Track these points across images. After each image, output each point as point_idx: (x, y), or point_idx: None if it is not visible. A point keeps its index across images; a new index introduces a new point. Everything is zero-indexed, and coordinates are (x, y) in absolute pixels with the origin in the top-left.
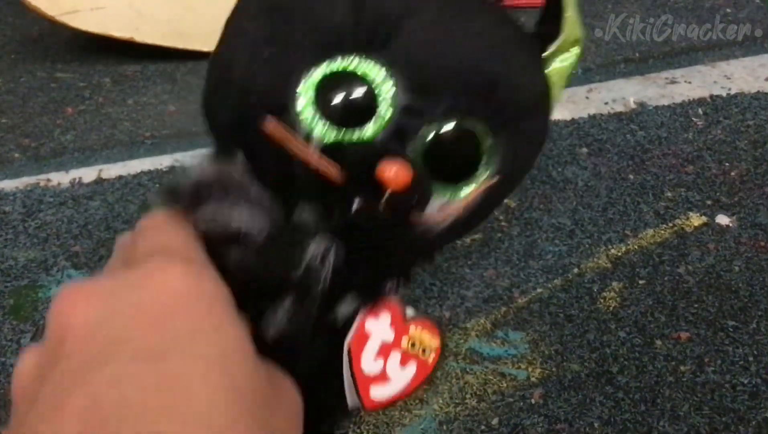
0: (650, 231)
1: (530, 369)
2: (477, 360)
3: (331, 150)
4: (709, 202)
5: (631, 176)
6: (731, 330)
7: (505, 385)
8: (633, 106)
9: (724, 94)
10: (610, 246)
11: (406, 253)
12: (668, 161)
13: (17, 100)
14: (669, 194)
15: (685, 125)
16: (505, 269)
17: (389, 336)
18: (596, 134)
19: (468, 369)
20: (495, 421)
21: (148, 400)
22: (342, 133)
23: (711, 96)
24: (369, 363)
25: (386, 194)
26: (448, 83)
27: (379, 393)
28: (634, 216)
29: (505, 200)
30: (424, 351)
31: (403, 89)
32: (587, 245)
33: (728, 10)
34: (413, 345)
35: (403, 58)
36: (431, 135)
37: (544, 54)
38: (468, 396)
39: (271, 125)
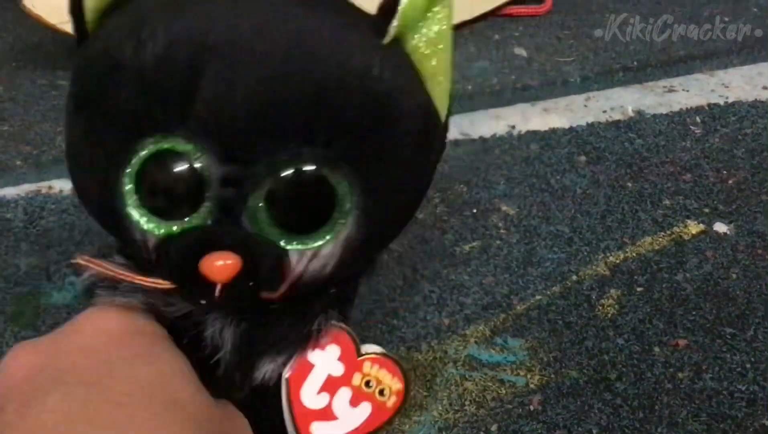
0: (648, 239)
1: (529, 376)
2: (476, 366)
3: (161, 246)
4: (706, 210)
5: (630, 184)
6: (729, 337)
7: (503, 392)
8: (631, 114)
9: (722, 103)
10: (608, 254)
11: (304, 302)
12: (666, 169)
13: (18, 108)
14: (667, 202)
15: (682, 134)
16: (504, 277)
17: (337, 370)
18: (594, 142)
19: (467, 376)
20: (494, 428)
21: (92, 416)
22: (170, 225)
23: (709, 104)
24: (310, 396)
25: (217, 291)
26: (258, 137)
27: (322, 430)
28: (632, 224)
29: (504, 208)
30: (381, 392)
31: (216, 160)
32: (586, 253)
33: (726, 18)
34: (368, 383)
35: (205, 126)
36: (261, 198)
37: (391, 29)
38: (467, 402)
39: (81, 259)
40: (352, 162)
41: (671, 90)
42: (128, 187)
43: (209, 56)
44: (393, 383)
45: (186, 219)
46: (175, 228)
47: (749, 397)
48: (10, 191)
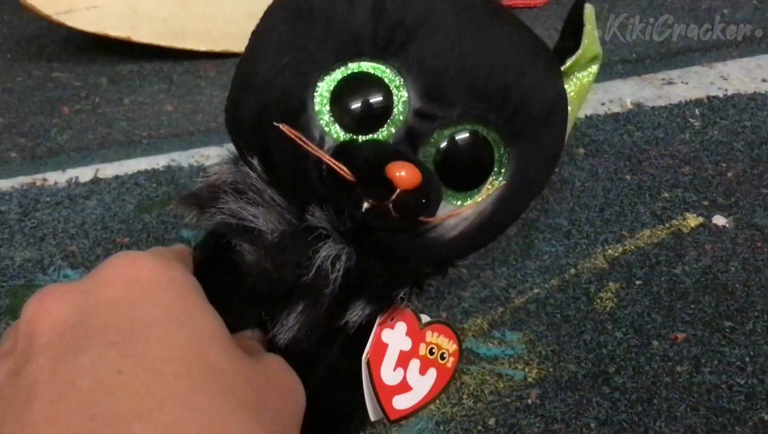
0: (647, 232)
1: (527, 370)
2: (474, 360)
3: (344, 151)
4: (705, 202)
5: (628, 177)
6: (728, 330)
7: (501, 385)
8: (630, 106)
9: (721, 95)
10: (606, 247)
11: (418, 260)
12: (665, 161)
13: (13, 100)
14: (666, 195)
15: (681, 126)
16: (502, 270)
17: (406, 344)
18: (593, 134)
19: (464, 370)
20: (492, 421)
21: (124, 382)
22: (355, 136)
23: (708, 97)
24: (389, 374)
25: (395, 194)
26: (461, 90)
27: (401, 402)
28: (630, 217)
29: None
30: (442, 356)
31: (417, 94)
32: (584, 246)
33: (725, 11)
34: (431, 351)
35: (418, 64)
36: (444, 141)
37: (563, 68)
38: (465, 396)
39: (284, 127)
40: (520, 143)
41: (670, 82)
42: (324, 94)
43: (440, 13)
44: (450, 346)
45: (368, 135)
46: (360, 138)
47: (748, 391)
48: (4, 184)
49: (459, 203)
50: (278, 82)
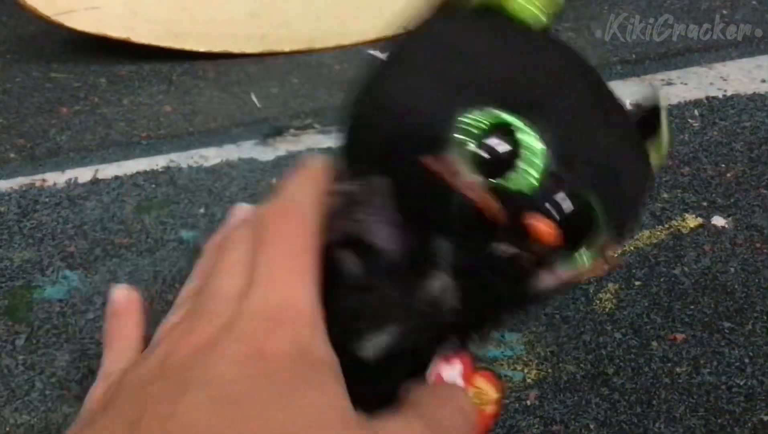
0: (646, 232)
1: (526, 371)
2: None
3: (491, 190)
4: (705, 203)
5: None
6: (727, 331)
7: None
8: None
9: (720, 96)
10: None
11: (509, 311)
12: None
13: (12, 100)
14: (665, 196)
15: (681, 127)
16: None
17: (460, 385)
18: None
19: None
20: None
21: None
22: (494, 183)
23: (707, 97)
24: None
25: (532, 243)
26: (584, 162)
27: None
28: None
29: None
30: (484, 402)
31: (551, 154)
32: None
33: (725, 12)
34: (477, 396)
35: (554, 128)
36: (565, 204)
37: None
38: None
39: (433, 159)
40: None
41: (669, 83)
42: (473, 128)
43: (565, 84)
44: (492, 393)
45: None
46: (508, 184)
47: (747, 392)
48: (3, 184)
49: (569, 263)
50: (421, 113)
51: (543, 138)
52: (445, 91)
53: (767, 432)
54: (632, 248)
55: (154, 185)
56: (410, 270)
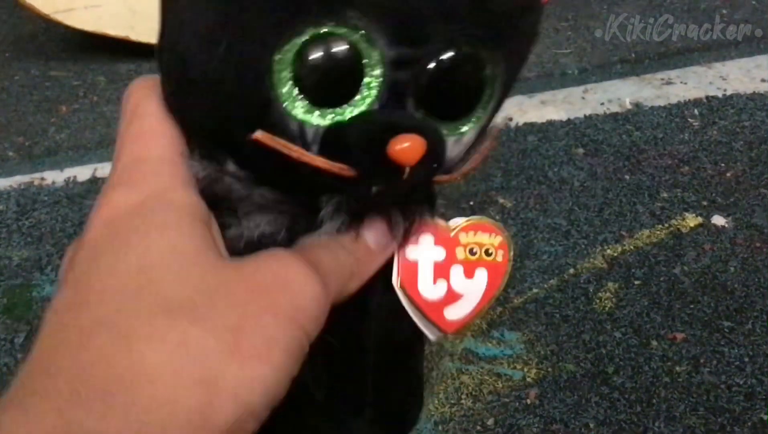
0: (646, 232)
1: (526, 370)
2: (473, 360)
3: (333, 142)
4: (704, 203)
5: (627, 177)
6: (727, 330)
7: (500, 385)
8: (629, 106)
9: (720, 95)
10: (605, 246)
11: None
12: (664, 161)
13: (11, 99)
14: (665, 195)
15: (680, 126)
16: None
17: (439, 254)
18: (592, 134)
19: (463, 370)
20: (490, 421)
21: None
22: (337, 113)
23: (707, 97)
24: (429, 289)
25: (405, 174)
26: (433, 19)
27: (454, 313)
28: (629, 217)
29: (501, 200)
30: (487, 252)
31: (386, 43)
32: (583, 246)
33: (725, 11)
34: (472, 251)
35: (378, 4)
36: (427, 79)
37: None
38: (463, 396)
39: (261, 136)
40: (504, 46)
41: (669, 82)
42: (284, 74)
43: None
44: (493, 239)
45: (348, 107)
46: (344, 117)
47: (747, 391)
48: (2, 183)
49: (458, 133)
50: (225, 77)
51: (370, 29)
52: (240, 42)
53: (767, 431)
54: (632, 247)
55: None
56: (309, 228)
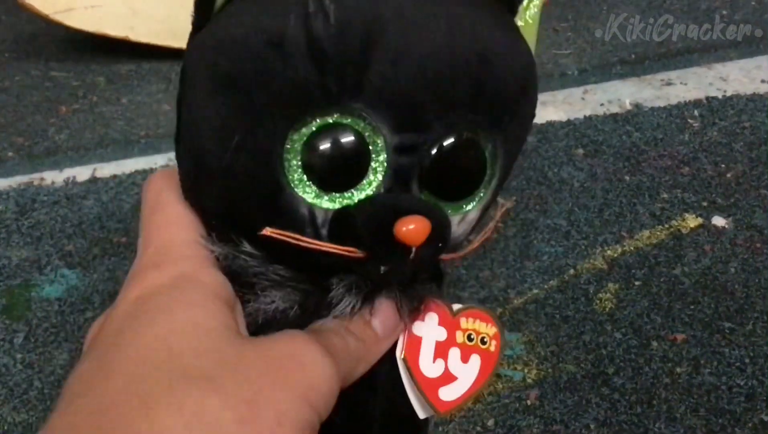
0: (646, 232)
1: (526, 370)
2: None
3: (341, 226)
4: (705, 203)
5: (627, 178)
6: (727, 331)
7: (500, 386)
8: (629, 107)
9: (720, 96)
10: (606, 247)
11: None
12: (664, 162)
13: (11, 99)
14: (665, 196)
15: (680, 127)
16: (501, 270)
17: (441, 334)
18: (592, 135)
19: None
20: (490, 422)
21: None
22: (345, 197)
23: (707, 98)
24: (429, 366)
25: (412, 254)
26: (433, 107)
27: (448, 394)
28: (629, 217)
29: (500, 201)
30: (483, 340)
31: (389, 130)
32: (583, 246)
33: (725, 12)
34: (470, 337)
35: (381, 96)
36: (429, 164)
37: (520, 14)
38: None
39: (269, 232)
40: (503, 128)
41: (669, 83)
42: (293, 162)
43: (381, 27)
44: (489, 329)
45: (355, 191)
46: (352, 201)
47: (748, 392)
48: (1, 183)
49: (467, 207)
50: (239, 166)
51: (374, 118)
52: (252, 132)
53: None
54: (632, 248)
55: None
56: (320, 305)
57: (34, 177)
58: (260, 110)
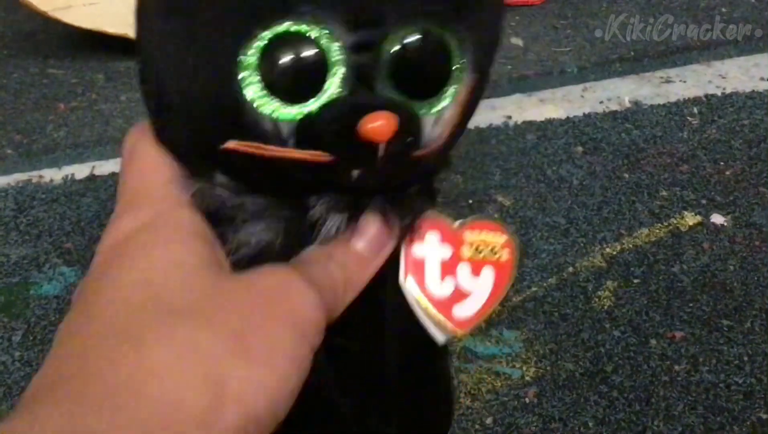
0: (645, 230)
1: (524, 368)
2: (471, 358)
3: (306, 133)
4: (703, 201)
5: (626, 175)
6: (726, 329)
7: (499, 384)
8: (628, 105)
9: (719, 94)
10: (604, 245)
11: (421, 180)
12: (663, 160)
13: (9, 96)
14: (664, 193)
15: (680, 124)
16: None
17: (446, 252)
18: (591, 132)
19: (462, 368)
20: (489, 420)
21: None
22: (306, 106)
23: (706, 95)
24: (436, 287)
25: (381, 151)
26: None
27: (463, 311)
28: (629, 215)
29: (499, 198)
30: (493, 251)
31: (343, 31)
32: (582, 244)
33: (724, 10)
34: (478, 249)
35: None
36: (389, 60)
37: None
38: (462, 394)
39: (231, 145)
40: (467, 18)
41: (668, 81)
42: (251, 78)
43: None
44: (498, 238)
45: (317, 99)
46: (314, 108)
47: (746, 390)
48: (0, 180)
49: (434, 110)
50: (197, 90)
51: (324, 19)
52: (206, 52)
53: (766, 430)
54: (631, 246)
55: None
56: (303, 235)
57: (33, 175)
58: (209, 29)
